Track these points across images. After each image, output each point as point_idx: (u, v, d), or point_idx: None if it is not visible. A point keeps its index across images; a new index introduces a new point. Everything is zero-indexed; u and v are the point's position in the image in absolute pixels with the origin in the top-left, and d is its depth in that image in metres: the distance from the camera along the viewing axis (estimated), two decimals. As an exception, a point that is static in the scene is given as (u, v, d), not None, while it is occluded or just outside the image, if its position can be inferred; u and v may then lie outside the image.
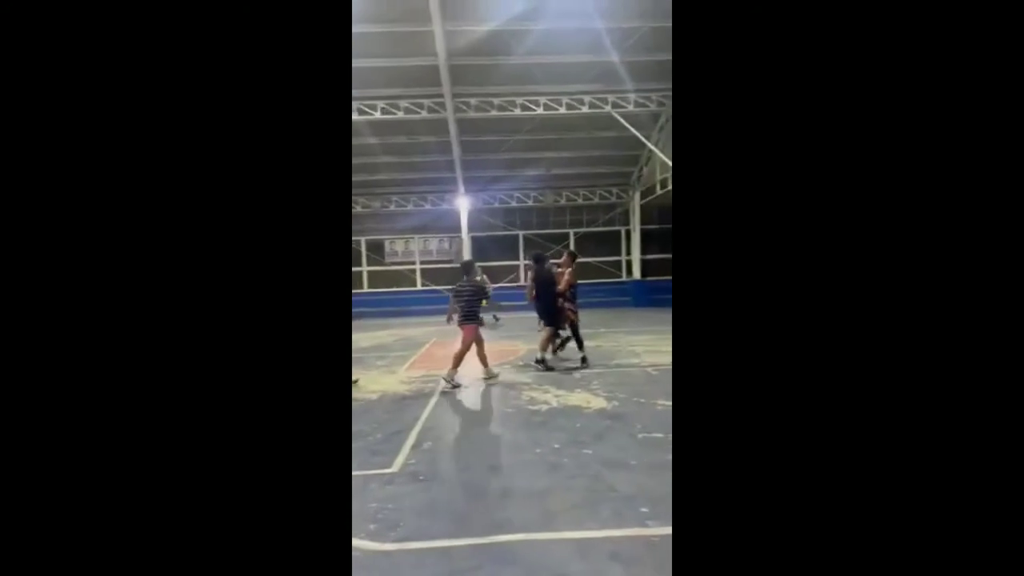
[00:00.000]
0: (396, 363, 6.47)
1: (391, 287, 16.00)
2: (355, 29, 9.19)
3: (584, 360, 5.66)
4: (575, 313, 5.76)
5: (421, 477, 2.68)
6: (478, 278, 6.73)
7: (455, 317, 4.98)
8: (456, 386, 4.72)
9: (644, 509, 2.21)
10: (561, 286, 5.66)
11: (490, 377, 5.03)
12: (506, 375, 5.31)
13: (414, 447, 3.16)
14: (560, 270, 5.94)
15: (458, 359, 4.83)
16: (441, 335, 9.35)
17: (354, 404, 4.30)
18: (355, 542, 1.99)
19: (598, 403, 4.07)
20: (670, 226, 15.25)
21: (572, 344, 5.94)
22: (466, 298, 4.95)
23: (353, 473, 2.76)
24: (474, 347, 4.96)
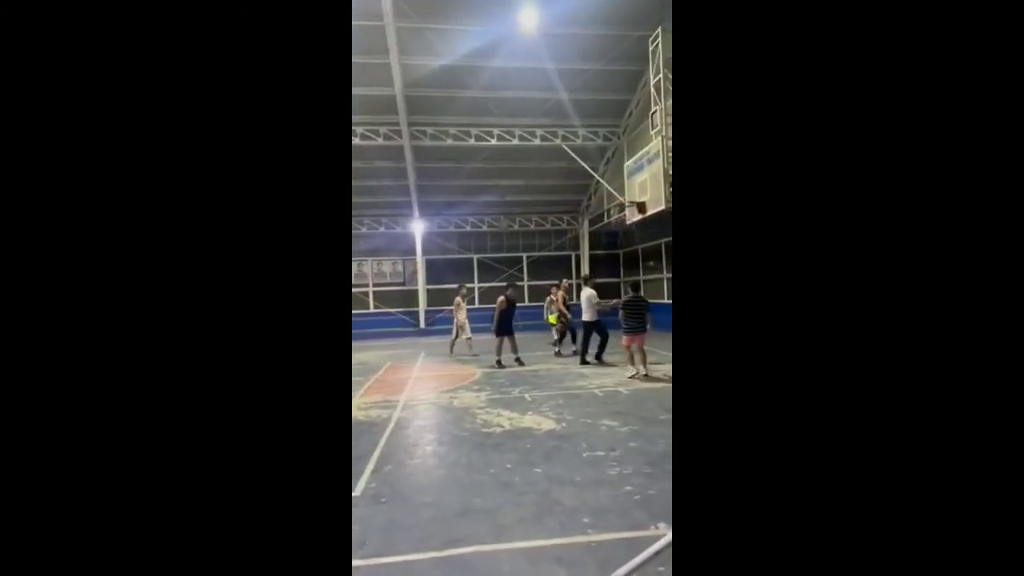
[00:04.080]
0: (353, 388, 6.54)
1: (343, 310, 15.83)
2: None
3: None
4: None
5: (383, 499, 2.86)
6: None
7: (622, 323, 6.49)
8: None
9: (585, 519, 2.51)
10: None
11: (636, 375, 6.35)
12: (462, 398, 5.53)
13: (374, 472, 3.33)
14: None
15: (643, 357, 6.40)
16: (395, 359, 9.41)
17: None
18: (324, 561, 2.17)
19: (548, 424, 4.37)
20: (617, 251, 16.08)
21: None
22: (633, 310, 6.38)
23: (317, 498, 2.91)
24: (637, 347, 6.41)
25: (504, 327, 7.80)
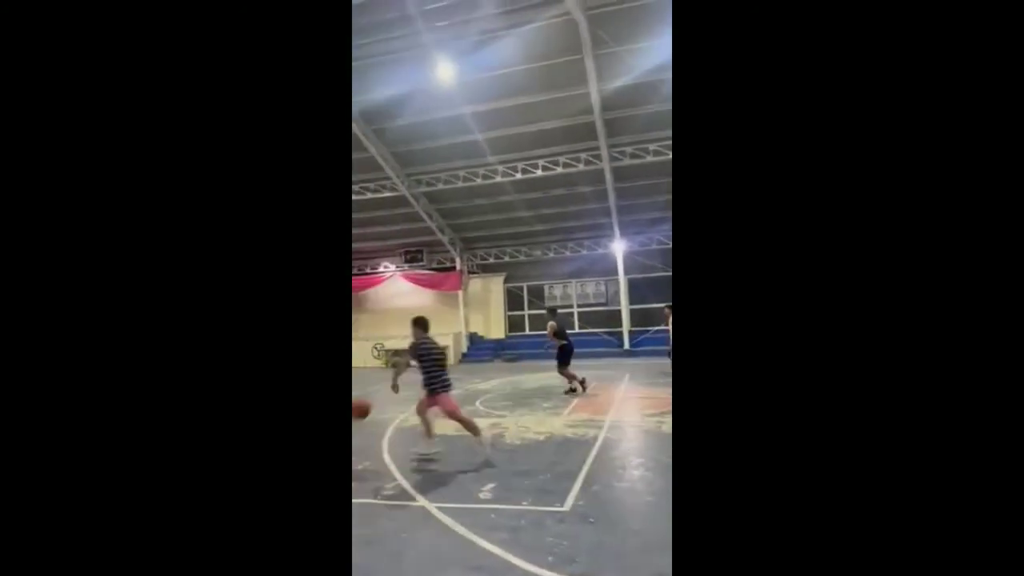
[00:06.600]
0: (560, 405, 6.80)
1: (550, 329, 16.71)
2: (523, 100, 10.31)
3: None
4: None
5: (591, 519, 2.89)
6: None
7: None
8: None
9: None
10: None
11: None
12: (669, 424, 5.25)
13: (582, 489, 3.38)
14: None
15: None
16: (600, 379, 9.48)
17: (521, 444, 4.71)
18: (535, 569, 2.28)
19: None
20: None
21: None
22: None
23: (528, 507, 3.09)
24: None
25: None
